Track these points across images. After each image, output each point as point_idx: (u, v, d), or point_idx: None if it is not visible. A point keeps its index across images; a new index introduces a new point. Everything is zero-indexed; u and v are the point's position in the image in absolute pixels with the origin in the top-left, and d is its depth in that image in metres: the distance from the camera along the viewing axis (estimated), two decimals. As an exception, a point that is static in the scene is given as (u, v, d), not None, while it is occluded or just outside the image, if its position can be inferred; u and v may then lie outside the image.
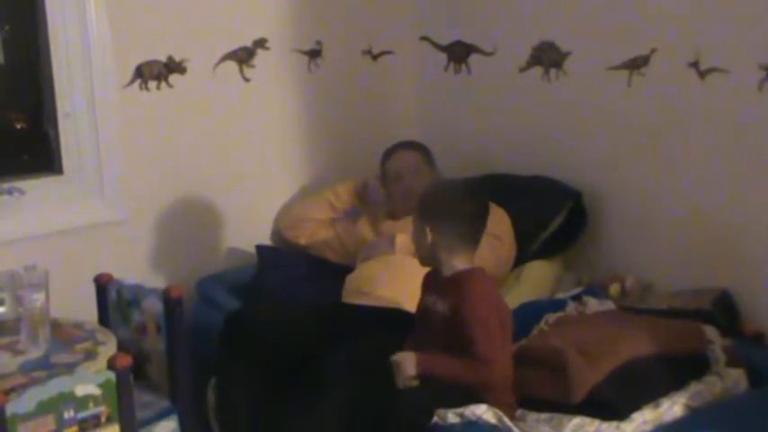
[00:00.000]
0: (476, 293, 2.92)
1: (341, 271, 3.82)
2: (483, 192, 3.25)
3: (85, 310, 3.30)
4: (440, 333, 2.95)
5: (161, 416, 3.06)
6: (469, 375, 2.85)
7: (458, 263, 3.00)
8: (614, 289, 3.62)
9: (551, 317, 3.37)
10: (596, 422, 2.79)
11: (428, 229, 2.99)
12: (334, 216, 4.10)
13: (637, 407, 2.86)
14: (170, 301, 3.04)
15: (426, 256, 3.05)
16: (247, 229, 4.18)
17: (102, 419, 2.63)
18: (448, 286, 2.98)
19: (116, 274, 3.31)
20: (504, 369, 2.91)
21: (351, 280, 3.69)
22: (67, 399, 2.55)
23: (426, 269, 3.12)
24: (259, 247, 4.08)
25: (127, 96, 3.81)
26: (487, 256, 3.34)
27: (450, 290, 2.95)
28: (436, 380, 2.87)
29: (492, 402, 2.83)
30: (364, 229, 3.97)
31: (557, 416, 2.84)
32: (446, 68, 4.41)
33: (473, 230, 3.03)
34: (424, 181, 3.78)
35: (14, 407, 2.46)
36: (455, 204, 3.02)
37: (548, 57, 3.97)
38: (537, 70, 4.03)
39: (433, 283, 3.08)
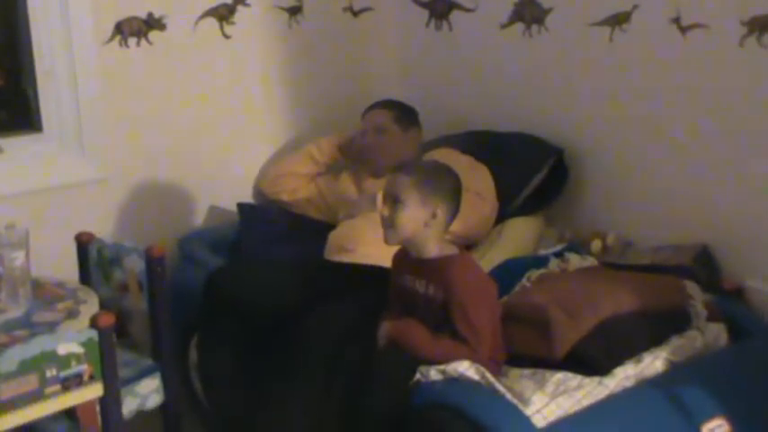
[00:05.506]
0: (469, 282, 2.90)
1: (323, 228, 3.81)
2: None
3: (66, 269, 3.29)
4: (430, 316, 2.92)
5: (143, 374, 3.07)
6: (456, 357, 2.82)
7: (442, 245, 2.97)
8: (596, 245, 3.64)
9: (534, 273, 3.38)
10: (579, 377, 2.81)
11: (438, 209, 2.90)
12: (317, 170, 4.08)
13: (619, 362, 2.88)
14: (152, 260, 3.04)
15: (413, 234, 2.93)
16: (229, 187, 4.16)
17: (85, 378, 2.64)
18: (434, 270, 2.93)
19: (97, 233, 3.31)
20: (490, 352, 2.89)
21: (333, 237, 3.68)
22: (50, 358, 2.55)
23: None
24: (240, 205, 4.06)
25: (106, 53, 3.78)
26: (469, 213, 3.33)
27: (439, 274, 2.91)
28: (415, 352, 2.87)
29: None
30: (346, 185, 3.96)
31: (539, 371, 2.86)
32: (427, 25, 4.39)
33: (457, 211, 3.02)
34: (389, 141, 3.81)
35: (-4, 366, 2.46)
36: (456, 184, 2.98)
37: (529, 13, 3.95)
38: (518, 26, 4.01)
39: (406, 263, 3.03)
